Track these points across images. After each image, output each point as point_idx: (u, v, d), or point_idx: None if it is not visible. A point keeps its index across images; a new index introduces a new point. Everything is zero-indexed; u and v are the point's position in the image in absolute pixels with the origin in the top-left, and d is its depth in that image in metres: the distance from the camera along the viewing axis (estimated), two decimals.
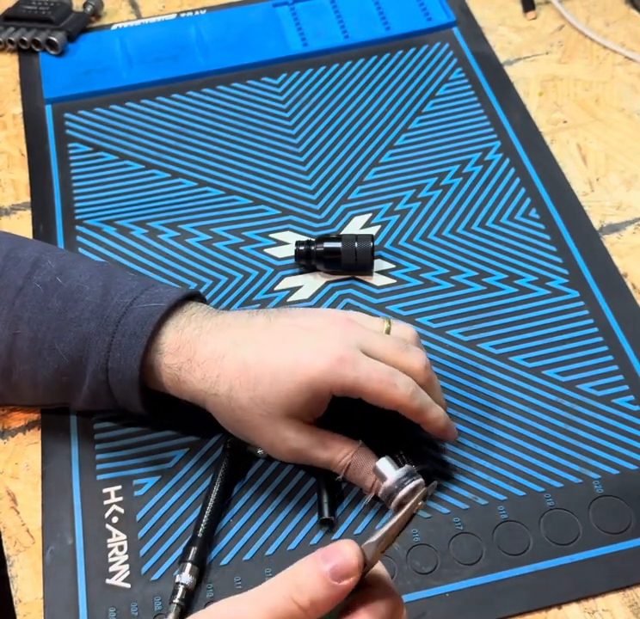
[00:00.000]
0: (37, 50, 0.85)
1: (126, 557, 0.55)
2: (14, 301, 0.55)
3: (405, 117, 0.78)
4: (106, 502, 0.57)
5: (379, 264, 0.68)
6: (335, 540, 0.54)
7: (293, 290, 0.67)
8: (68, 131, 0.79)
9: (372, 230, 0.70)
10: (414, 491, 0.40)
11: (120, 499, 0.57)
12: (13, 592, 0.54)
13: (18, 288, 0.56)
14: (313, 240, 0.67)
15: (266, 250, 0.70)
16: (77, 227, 0.71)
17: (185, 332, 0.54)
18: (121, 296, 0.55)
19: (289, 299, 0.66)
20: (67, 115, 0.80)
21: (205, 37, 0.85)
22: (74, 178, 0.75)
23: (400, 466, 0.41)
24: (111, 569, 0.54)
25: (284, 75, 0.82)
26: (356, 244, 0.66)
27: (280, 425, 0.52)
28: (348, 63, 0.83)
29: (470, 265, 0.68)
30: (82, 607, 0.53)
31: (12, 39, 0.85)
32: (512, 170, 0.73)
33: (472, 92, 0.79)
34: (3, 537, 0.56)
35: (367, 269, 0.67)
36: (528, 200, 0.71)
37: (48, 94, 0.81)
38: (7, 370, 0.56)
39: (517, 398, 0.60)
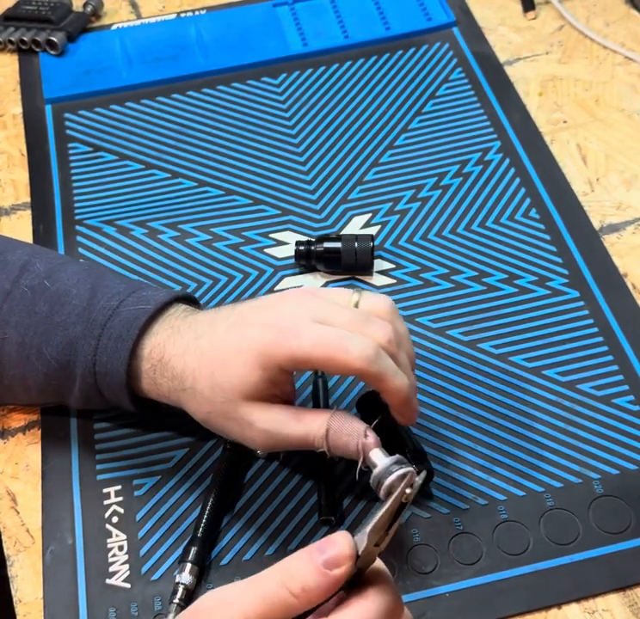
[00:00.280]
0: (37, 50, 0.85)
1: (126, 557, 0.55)
2: (1, 305, 0.55)
3: (405, 117, 0.78)
4: (106, 502, 0.57)
5: (379, 264, 0.68)
6: None
7: None
8: (68, 131, 0.79)
9: (372, 230, 0.70)
10: (402, 478, 0.40)
11: (120, 499, 0.57)
12: (13, 592, 0.54)
13: (6, 292, 0.55)
14: (313, 240, 0.67)
15: (266, 250, 0.70)
16: (77, 227, 0.71)
17: (158, 335, 0.53)
18: (108, 299, 0.54)
19: None
20: (67, 115, 0.80)
21: (205, 37, 0.85)
22: (74, 178, 0.75)
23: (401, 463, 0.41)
24: (111, 569, 0.54)
25: (284, 75, 0.82)
26: (356, 244, 0.66)
27: (243, 410, 0.50)
28: (348, 63, 0.83)
29: (470, 265, 0.68)
30: (82, 607, 0.53)
31: (12, 39, 0.85)
32: (512, 170, 0.73)
33: (472, 92, 0.79)
34: (3, 537, 0.56)
35: (367, 269, 0.67)
36: (528, 200, 0.71)
37: (48, 95, 0.81)
38: None
39: (517, 398, 0.60)
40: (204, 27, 0.86)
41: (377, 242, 0.69)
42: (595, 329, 0.64)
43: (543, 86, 0.80)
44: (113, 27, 0.87)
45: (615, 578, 0.53)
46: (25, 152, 0.78)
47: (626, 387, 0.61)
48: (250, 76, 0.82)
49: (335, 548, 0.38)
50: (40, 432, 0.61)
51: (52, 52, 0.85)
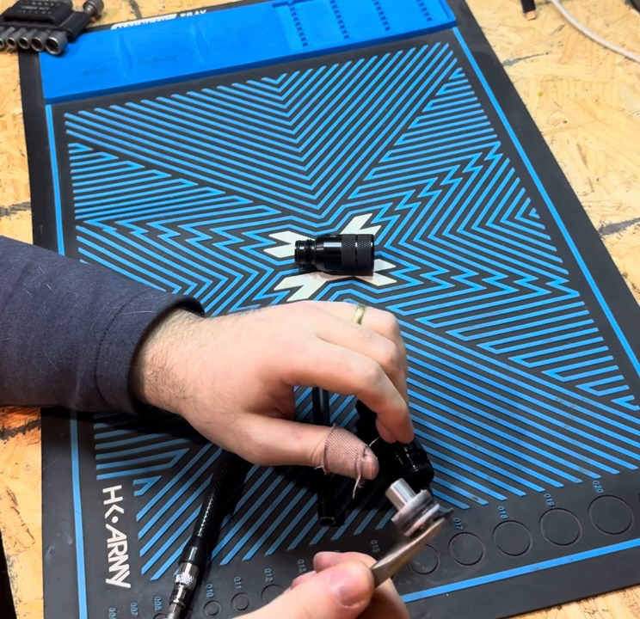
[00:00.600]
0: (37, 50, 0.85)
1: (126, 557, 0.55)
2: (3, 308, 0.55)
3: (405, 117, 0.78)
4: (106, 502, 0.57)
5: (379, 264, 0.68)
6: (336, 541, 0.54)
7: (293, 290, 0.67)
8: (68, 131, 0.79)
9: (372, 230, 0.70)
10: (431, 519, 0.39)
11: (120, 499, 0.57)
12: (13, 592, 0.54)
13: (8, 295, 0.55)
14: (313, 240, 0.67)
15: (266, 250, 0.70)
16: (77, 227, 0.71)
17: (160, 341, 0.53)
18: (110, 303, 0.54)
19: (289, 299, 0.66)
20: (67, 115, 0.80)
21: (205, 37, 0.85)
22: (74, 178, 0.75)
23: (415, 490, 0.40)
24: (111, 569, 0.54)
25: (284, 75, 0.82)
26: (356, 244, 0.66)
27: (242, 422, 0.50)
28: (348, 63, 0.83)
29: (470, 265, 0.68)
30: (82, 607, 0.53)
31: (12, 39, 0.85)
32: (512, 170, 0.73)
33: (472, 92, 0.79)
34: (3, 537, 0.56)
35: (367, 269, 0.67)
36: (528, 200, 0.71)
37: (48, 95, 0.81)
38: None
39: (517, 398, 0.60)
40: (204, 27, 0.86)
41: (377, 242, 0.69)
42: (595, 329, 0.64)
43: (543, 86, 0.80)
44: (113, 27, 0.87)
45: (615, 578, 0.53)
46: (25, 152, 0.78)
47: (626, 387, 0.61)
48: (250, 76, 0.82)
49: (353, 584, 0.38)
50: (39, 432, 0.61)
51: (52, 52, 0.85)
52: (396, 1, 0.87)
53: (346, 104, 0.80)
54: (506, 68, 0.82)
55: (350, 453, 0.50)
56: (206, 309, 0.64)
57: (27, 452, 0.60)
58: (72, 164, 0.76)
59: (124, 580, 0.54)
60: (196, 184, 0.74)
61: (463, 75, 0.81)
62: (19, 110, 0.81)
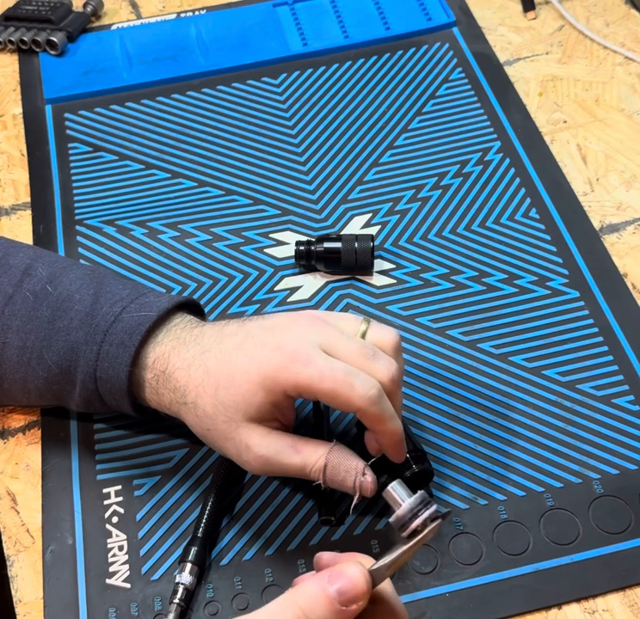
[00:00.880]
0: (37, 50, 0.85)
1: (126, 557, 0.55)
2: (3, 309, 0.55)
3: (405, 117, 0.78)
4: (106, 502, 0.57)
5: (379, 264, 0.68)
6: (336, 541, 0.54)
7: (293, 290, 0.67)
8: (68, 131, 0.79)
9: (372, 230, 0.70)
10: (428, 520, 0.39)
11: (120, 499, 0.57)
12: (13, 592, 0.54)
13: (8, 296, 0.55)
14: (313, 240, 0.67)
15: (266, 250, 0.70)
16: (77, 227, 0.71)
17: (162, 344, 0.53)
18: (111, 305, 0.54)
19: (289, 299, 0.66)
20: (67, 115, 0.80)
21: (205, 37, 0.85)
22: (74, 178, 0.75)
23: (413, 491, 0.40)
24: (111, 569, 0.54)
25: (284, 75, 0.82)
26: (356, 244, 0.66)
27: (242, 431, 0.50)
28: (348, 63, 0.83)
29: (470, 265, 0.68)
30: (82, 607, 0.53)
31: (12, 39, 0.85)
32: (512, 170, 0.73)
33: (472, 92, 0.79)
34: (3, 537, 0.56)
35: (367, 269, 0.67)
36: (528, 200, 0.71)
37: (48, 95, 0.81)
38: None
39: (517, 398, 0.60)
40: (204, 27, 0.86)
41: (377, 242, 0.69)
42: (595, 329, 0.64)
43: (543, 86, 0.80)
44: (113, 27, 0.87)
45: (615, 578, 0.53)
46: (25, 152, 0.78)
47: (626, 387, 0.61)
48: (250, 76, 0.82)
49: (351, 585, 0.38)
50: (40, 432, 0.61)
51: (52, 52, 0.85)
52: (396, 1, 0.87)
53: (346, 104, 0.80)
54: (506, 68, 0.82)
55: (350, 471, 0.50)
56: (206, 309, 0.64)
57: (27, 452, 0.60)
58: (72, 164, 0.76)
59: (124, 580, 0.54)
60: (196, 184, 0.74)
61: (463, 75, 0.81)
62: (19, 110, 0.81)
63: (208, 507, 0.55)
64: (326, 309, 0.66)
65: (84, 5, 0.88)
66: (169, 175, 0.75)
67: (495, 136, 0.76)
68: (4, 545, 0.56)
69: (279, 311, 0.65)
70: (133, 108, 0.80)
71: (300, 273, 0.68)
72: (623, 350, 0.62)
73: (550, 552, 0.54)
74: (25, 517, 0.57)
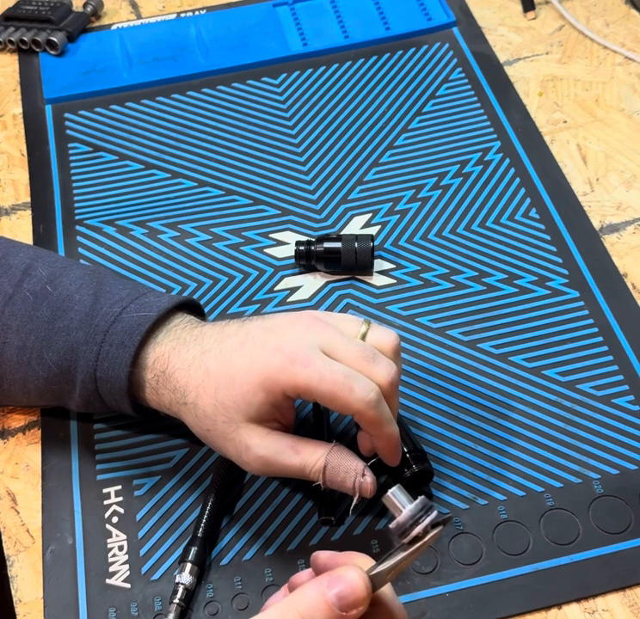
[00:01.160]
0: (37, 50, 0.85)
1: (126, 557, 0.55)
2: (3, 309, 0.55)
3: (405, 117, 0.78)
4: (106, 502, 0.57)
5: (379, 264, 0.68)
6: (336, 541, 0.54)
7: (293, 290, 0.67)
8: (68, 132, 0.79)
9: (372, 230, 0.70)
10: (430, 526, 0.39)
11: (120, 499, 0.57)
12: (13, 592, 0.54)
13: (8, 296, 0.55)
14: (313, 240, 0.67)
15: (266, 250, 0.70)
16: (77, 227, 0.71)
17: (162, 344, 0.53)
18: (111, 305, 0.54)
19: (289, 299, 0.66)
20: (67, 115, 0.80)
21: (205, 37, 0.85)
22: (74, 178, 0.75)
23: (413, 496, 0.40)
24: (111, 569, 0.54)
25: (284, 75, 0.82)
26: (356, 244, 0.66)
27: (242, 432, 0.50)
28: (348, 63, 0.83)
29: (470, 265, 0.68)
30: (82, 607, 0.53)
31: (12, 39, 0.85)
32: (512, 170, 0.73)
33: (472, 92, 0.79)
34: (3, 537, 0.56)
35: (367, 269, 0.67)
36: (528, 200, 0.71)
37: (48, 95, 0.81)
38: None
39: (517, 398, 0.60)
40: (204, 27, 0.86)
41: (377, 242, 0.69)
42: (595, 329, 0.64)
43: (543, 86, 0.80)
44: (113, 27, 0.87)
45: (615, 578, 0.53)
46: (25, 152, 0.78)
47: (626, 387, 0.61)
48: (250, 76, 0.82)
49: (350, 589, 0.38)
50: (40, 432, 0.61)
51: (52, 52, 0.85)
52: (396, 1, 0.87)
53: (346, 104, 0.80)
54: (506, 68, 0.82)
55: (349, 472, 0.50)
56: (206, 309, 0.64)
57: (27, 452, 0.60)
58: (72, 164, 0.76)
59: (124, 580, 0.54)
60: (196, 184, 0.74)
61: (463, 75, 0.81)
62: (19, 110, 0.81)
63: (208, 507, 0.55)
64: (326, 310, 0.66)
65: (84, 5, 0.88)
66: (169, 175, 0.75)
67: (495, 136, 0.76)
68: (4, 545, 0.56)
69: (279, 311, 0.65)
70: (133, 108, 0.80)
71: (300, 273, 0.68)
72: (623, 350, 0.62)
73: (550, 552, 0.54)
74: (25, 517, 0.57)
